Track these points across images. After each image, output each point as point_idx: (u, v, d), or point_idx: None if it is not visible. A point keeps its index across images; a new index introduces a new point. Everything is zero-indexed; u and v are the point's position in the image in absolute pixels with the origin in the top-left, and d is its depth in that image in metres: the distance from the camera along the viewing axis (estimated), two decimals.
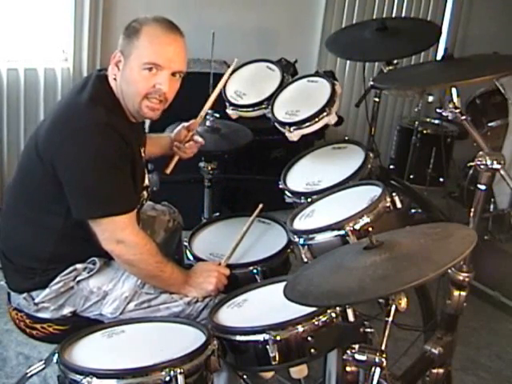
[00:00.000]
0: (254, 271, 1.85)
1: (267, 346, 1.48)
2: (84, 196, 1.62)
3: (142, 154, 1.81)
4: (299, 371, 1.62)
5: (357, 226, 1.61)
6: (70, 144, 1.59)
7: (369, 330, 1.60)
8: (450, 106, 1.73)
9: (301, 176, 2.08)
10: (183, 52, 1.70)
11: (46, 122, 1.68)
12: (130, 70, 1.65)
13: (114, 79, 1.69)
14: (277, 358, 1.49)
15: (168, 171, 2.05)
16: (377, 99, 2.98)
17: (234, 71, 2.28)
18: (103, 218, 1.61)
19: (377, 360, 1.35)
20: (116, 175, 1.62)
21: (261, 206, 2.07)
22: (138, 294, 1.72)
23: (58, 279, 1.70)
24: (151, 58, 1.63)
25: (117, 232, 1.64)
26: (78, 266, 1.71)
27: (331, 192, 1.90)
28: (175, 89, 1.72)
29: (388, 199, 1.68)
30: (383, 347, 1.36)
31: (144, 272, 1.70)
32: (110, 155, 1.59)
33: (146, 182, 1.85)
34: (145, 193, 1.86)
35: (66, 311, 1.72)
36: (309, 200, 1.91)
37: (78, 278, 1.71)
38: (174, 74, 1.68)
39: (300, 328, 1.49)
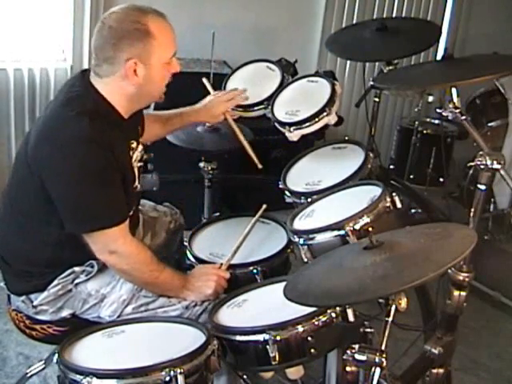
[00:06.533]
0: (254, 271, 1.85)
1: (267, 346, 1.48)
2: (72, 211, 1.61)
3: (138, 150, 1.78)
4: (295, 372, 1.63)
5: (357, 226, 1.61)
6: (55, 159, 1.57)
7: (369, 329, 1.61)
8: (450, 106, 1.73)
9: (301, 176, 2.08)
10: None
11: (35, 131, 1.65)
12: (155, 70, 1.63)
13: (133, 85, 1.63)
14: (277, 358, 1.49)
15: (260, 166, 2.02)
16: (377, 99, 2.98)
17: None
18: (93, 232, 1.61)
19: (377, 360, 1.35)
20: (103, 189, 1.59)
21: (264, 206, 2.07)
22: (135, 297, 1.72)
23: (55, 282, 1.70)
24: (171, 50, 1.66)
25: (109, 243, 1.63)
26: (76, 268, 1.71)
27: (331, 192, 1.90)
28: None
29: (388, 199, 1.68)
30: (383, 347, 1.36)
31: (139, 280, 1.70)
32: (94, 170, 1.56)
33: (136, 183, 1.80)
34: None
35: (65, 313, 1.72)
36: (309, 200, 1.91)
37: (76, 281, 1.71)
38: None
39: (300, 328, 1.49)
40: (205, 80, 2.19)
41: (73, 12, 3.13)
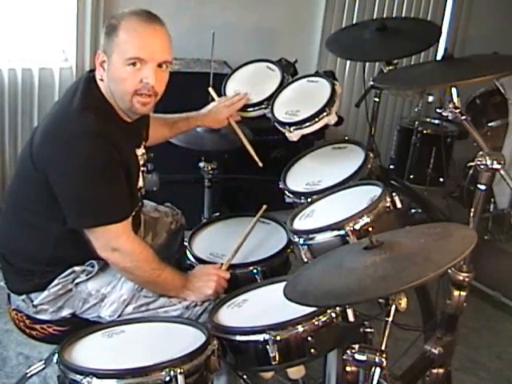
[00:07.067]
0: (254, 271, 1.85)
1: (267, 346, 1.48)
2: (76, 206, 1.61)
3: (139, 154, 1.79)
4: (297, 371, 1.63)
5: (357, 226, 1.61)
6: (60, 155, 1.58)
7: (369, 329, 1.61)
8: (450, 105, 1.73)
9: (301, 176, 2.08)
10: (165, 41, 1.65)
11: (40, 129, 1.67)
12: (114, 68, 1.62)
13: (101, 80, 1.66)
14: (277, 358, 1.49)
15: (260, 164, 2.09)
16: (377, 99, 2.98)
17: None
18: (96, 228, 1.61)
19: (377, 360, 1.35)
20: (107, 184, 1.60)
21: (265, 206, 2.07)
22: (136, 297, 1.72)
23: (56, 281, 1.70)
24: (133, 52, 1.59)
25: (111, 240, 1.63)
26: (77, 268, 1.71)
27: (331, 192, 1.90)
28: (164, 80, 1.67)
29: (388, 199, 1.68)
30: (383, 347, 1.36)
31: (140, 278, 1.70)
32: (100, 165, 1.58)
33: (140, 183, 1.81)
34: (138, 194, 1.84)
35: (65, 313, 1.72)
36: (309, 200, 1.91)
37: (77, 281, 1.71)
38: (160, 66, 1.63)
39: (300, 328, 1.49)
40: (211, 89, 2.23)
41: (75, 12, 3.13)
